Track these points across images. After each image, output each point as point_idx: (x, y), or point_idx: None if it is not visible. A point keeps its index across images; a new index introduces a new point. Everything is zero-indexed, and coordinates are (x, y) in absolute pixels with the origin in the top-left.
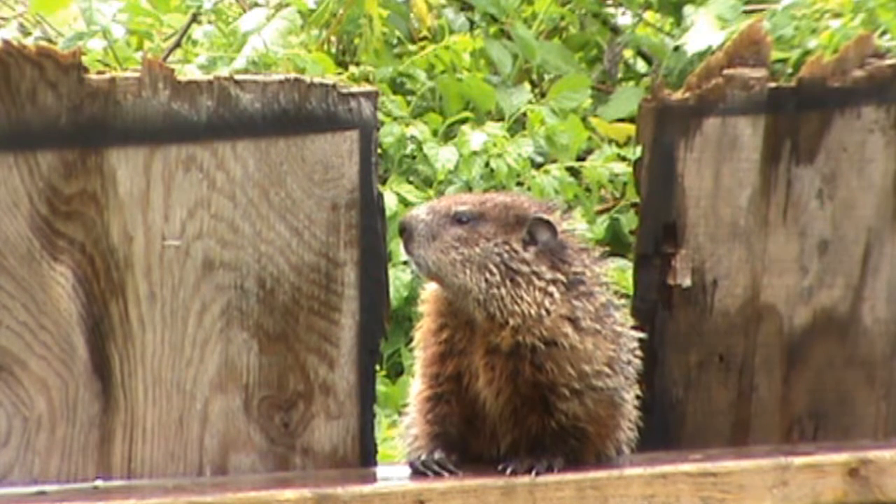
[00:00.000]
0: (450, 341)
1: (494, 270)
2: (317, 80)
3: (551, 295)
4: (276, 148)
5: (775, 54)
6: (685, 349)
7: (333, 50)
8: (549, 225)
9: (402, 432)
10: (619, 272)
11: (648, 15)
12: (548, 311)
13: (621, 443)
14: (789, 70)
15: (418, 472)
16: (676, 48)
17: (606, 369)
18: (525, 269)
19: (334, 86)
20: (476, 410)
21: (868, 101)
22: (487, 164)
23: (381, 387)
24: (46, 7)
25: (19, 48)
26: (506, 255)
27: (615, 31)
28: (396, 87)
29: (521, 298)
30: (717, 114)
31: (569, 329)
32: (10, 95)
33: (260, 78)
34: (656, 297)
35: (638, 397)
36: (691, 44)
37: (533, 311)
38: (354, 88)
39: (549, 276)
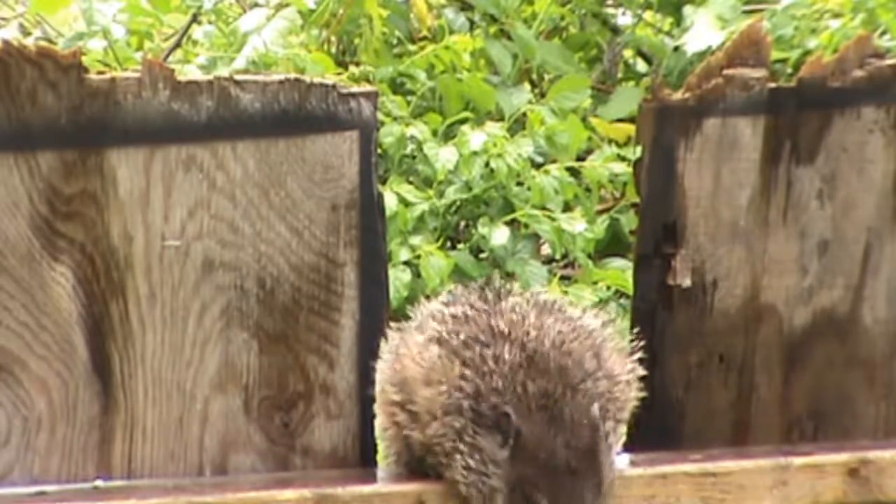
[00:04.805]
0: None
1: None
2: (317, 80)
3: None
4: (276, 148)
5: (775, 54)
6: (685, 349)
7: (333, 50)
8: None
9: None
10: (619, 272)
11: (648, 15)
12: None
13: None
14: (789, 70)
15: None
16: (676, 48)
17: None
18: None
19: (334, 86)
20: None
21: (868, 101)
22: (487, 164)
23: None
24: (46, 7)
25: (19, 48)
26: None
27: (615, 31)
28: (396, 87)
29: None
30: (717, 114)
31: None
32: (10, 95)
33: (260, 78)
34: (656, 297)
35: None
36: (691, 44)
37: None
38: (354, 88)
39: None
